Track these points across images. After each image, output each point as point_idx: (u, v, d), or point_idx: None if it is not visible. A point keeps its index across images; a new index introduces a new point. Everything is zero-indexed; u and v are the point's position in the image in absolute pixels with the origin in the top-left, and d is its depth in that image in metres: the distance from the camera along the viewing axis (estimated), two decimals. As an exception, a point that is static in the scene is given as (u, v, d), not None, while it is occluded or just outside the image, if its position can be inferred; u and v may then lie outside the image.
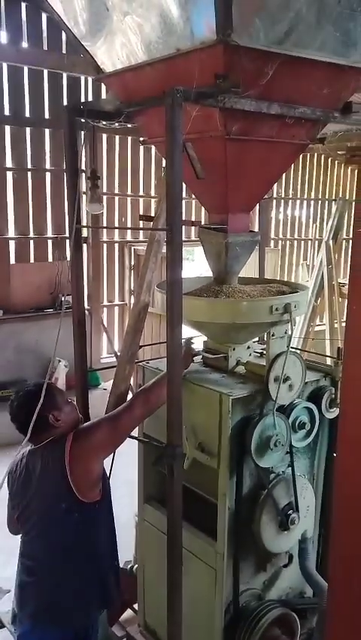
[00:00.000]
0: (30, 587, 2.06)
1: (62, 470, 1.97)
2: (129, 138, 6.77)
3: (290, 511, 2.26)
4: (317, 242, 8.01)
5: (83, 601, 2.07)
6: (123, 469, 2.69)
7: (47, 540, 2.05)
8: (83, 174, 6.27)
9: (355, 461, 1.43)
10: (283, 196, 8.47)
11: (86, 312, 2.64)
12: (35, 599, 2.04)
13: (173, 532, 1.98)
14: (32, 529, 2.07)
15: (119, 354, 2.49)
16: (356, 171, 8.43)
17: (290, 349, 2.17)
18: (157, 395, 2.12)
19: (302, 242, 8.78)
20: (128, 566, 2.95)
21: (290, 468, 2.28)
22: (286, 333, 2.21)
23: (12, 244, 6.08)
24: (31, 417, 1.95)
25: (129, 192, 6.94)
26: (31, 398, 2.01)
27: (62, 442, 2.01)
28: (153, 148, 6.09)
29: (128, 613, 2.94)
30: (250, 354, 2.45)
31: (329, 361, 2.60)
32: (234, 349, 2.38)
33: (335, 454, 1.76)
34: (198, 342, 2.53)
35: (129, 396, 2.31)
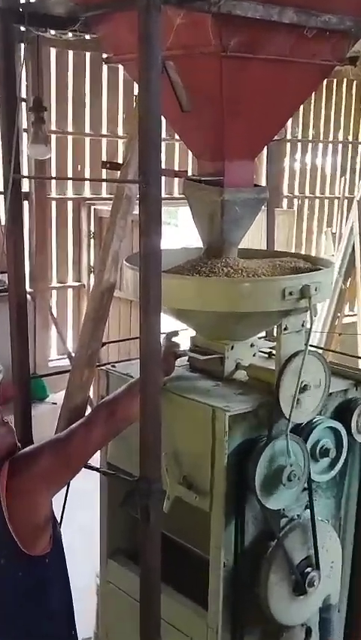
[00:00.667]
0: None
1: None
2: (87, 55, 6.72)
3: (308, 569, 2.27)
4: (345, 201, 8.07)
5: None
6: (79, 512, 2.70)
7: None
8: (24, 104, 6.24)
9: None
10: (300, 138, 8.50)
11: (28, 296, 2.63)
12: None
13: (148, 598, 1.98)
14: None
15: (74, 354, 2.49)
16: None
17: (309, 348, 2.18)
18: (125, 409, 2.11)
19: (326, 201, 8.84)
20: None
21: (309, 510, 2.30)
22: (303, 326, 2.21)
23: None
24: None
25: (87, 130, 6.92)
26: None
27: None
28: (121, 69, 6.04)
29: None
30: (254, 355, 2.46)
31: (361, 364, 2.62)
32: (232, 348, 2.39)
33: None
34: (184, 338, 2.54)
35: (88, 412, 2.31)
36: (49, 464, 2.03)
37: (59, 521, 2.21)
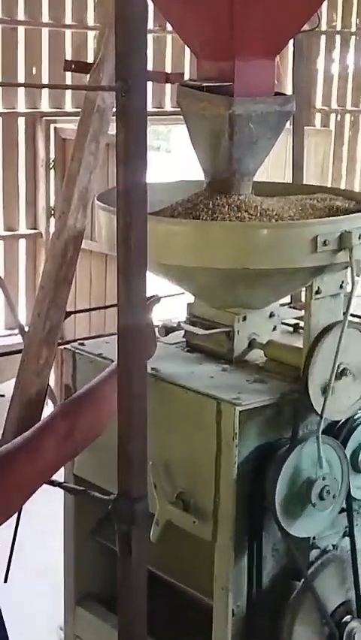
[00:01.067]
0: None
1: None
2: None
3: (347, 618, 2.30)
4: None
5: None
6: (37, 545, 2.71)
7: None
8: None
9: None
10: (339, 29, 8.44)
11: None
12: None
13: (130, 657, 2.01)
14: None
15: (27, 328, 2.49)
16: None
17: (351, 318, 2.19)
18: (90, 422, 2.11)
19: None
20: None
21: (348, 538, 2.32)
22: (342, 288, 2.23)
23: None
24: None
25: (45, 19, 6.84)
26: None
27: None
28: None
29: None
30: (274, 329, 2.47)
31: None
32: (244, 319, 2.40)
33: None
34: (178, 305, 2.53)
35: (48, 410, 2.31)
36: None
37: (8, 557, 2.22)
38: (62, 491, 2.43)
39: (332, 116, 8.53)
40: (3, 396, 6.10)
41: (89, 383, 2.21)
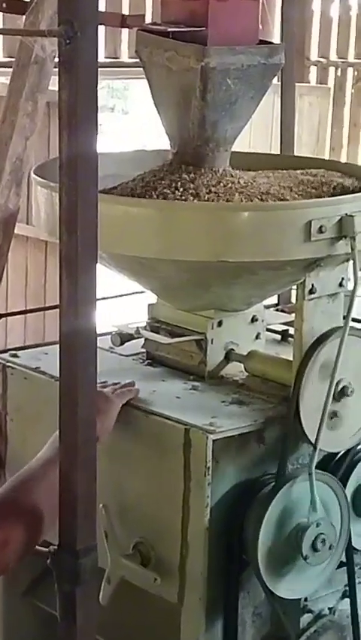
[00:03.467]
0: None
1: None
2: None
3: None
4: None
5: None
6: None
7: None
8: None
9: None
10: None
11: None
12: None
13: None
14: None
15: None
16: None
17: (353, 324, 2.20)
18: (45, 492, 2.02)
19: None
20: None
21: (349, 599, 2.33)
22: (342, 286, 2.24)
23: None
24: None
25: None
26: None
27: None
28: None
29: None
30: (257, 337, 2.49)
31: None
32: (220, 325, 2.41)
33: None
34: (136, 307, 2.53)
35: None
36: None
37: None
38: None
39: (331, 71, 8.57)
40: None
41: (29, 464, 2.11)
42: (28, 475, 2.07)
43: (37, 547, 2.18)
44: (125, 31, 6.61)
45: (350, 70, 8.68)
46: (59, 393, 1.85)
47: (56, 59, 1.81)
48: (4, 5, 2.64)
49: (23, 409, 2.49)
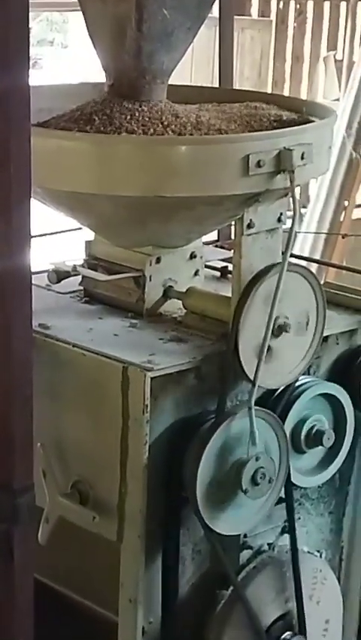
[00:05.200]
0: None
1: None
2: None
3: (287, 635, 2.34)
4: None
5: None
6: None
7: None
8: None
9: None
10: None
11: None
12: None
13: None
14: None
15: None
16: None
17: (291, 260, 2.21)
18: None
19: (326, 3, 8.84)
20: None
21: (288, 535, 2.35)
22: (280, 222, 2.24)
23: None
24: None
25: None
26: None
27: None
28: None
29: None
30: (196, 273, 2.49)
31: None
32: (158, 261, 2.41)
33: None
34: (73, 244, 2.51)
35: None
36: None
37: None
38: None
39: (273, 3, 8.51)
40: None
41: None
42: None
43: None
44: None
45: (292, 3, 8.62)
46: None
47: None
48: None
49: None
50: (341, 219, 7.01)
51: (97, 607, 2.32)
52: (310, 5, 8.70)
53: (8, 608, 1.96)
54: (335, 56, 8.15)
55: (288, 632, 2.33)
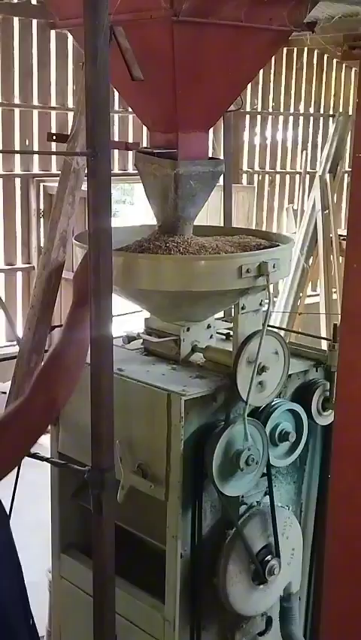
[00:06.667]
0: None
1: None
2: (34, 22, 6.61)
3: (268, 557, 2.30)
4: (307, 177, 8.11)
5: None
6: (31, 506, 2.68)
7: None
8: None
9: (357, 484, 1.47)
10: (259, 110, 8.51)
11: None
12: None
13: (102, 592, 1.98)
14: None
15: (21, 339, 2.47)
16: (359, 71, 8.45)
17: (268, 328, 2.20)
18: (70, 355, 1.98)
19: (287, 177, 8.90)
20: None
21: (268, 496, 2.32)
22: (261, 305, 2.23)
23: None
24: None
25: (35, 102, 6.82)
26: None
27: None
28: (70, 37, 5.95)
29: None
30: (211, 337, 2.47)
31: (324, 345, 2.64)
32: (188, 330, 2.39)
33: (329, 476, 1.79)
34: (137, 320, 2.52)
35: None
36: None
37: (8, 515, 2.19)
38: (49, 465, 2.41)
39: (255, 176, 8.58)
40: (5, 393, 6.03)
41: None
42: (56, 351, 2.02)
43: (78, 467, 2.18)
44: (131, 153, 6.60)
45: (266, 176, 8.70)
46: (91, 375, 1.84)
47: (86, 170, 1.81)
48: (54, 137, 2.65)
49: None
50: (298, 303, 6.99)
51: (153, 540, 2.30)
52: (277, 177, 8.76)
53: (101, 542, 1.95)
54: (293, 207, 8.17)
55: (269, 556, 2.30)
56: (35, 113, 6.82)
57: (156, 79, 2.11)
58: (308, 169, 8.19)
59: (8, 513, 2.22)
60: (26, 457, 2.09)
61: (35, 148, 6.86)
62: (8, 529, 2.13)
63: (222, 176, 2.50)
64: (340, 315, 1.53)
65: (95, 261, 1.83)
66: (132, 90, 2.24)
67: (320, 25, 2.54)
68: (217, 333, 2.53)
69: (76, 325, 1.97)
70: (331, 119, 7.24)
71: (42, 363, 2.11)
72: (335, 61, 8.77)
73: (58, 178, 2.57)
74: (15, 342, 6.19)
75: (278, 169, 8.78)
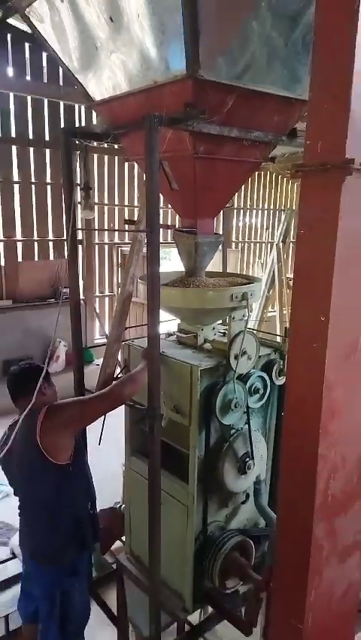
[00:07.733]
0: (26, 534, 2.15)
1: (34, 440, 1.96)
2: (116, 157, 6.69)
3: (247, 459, 2.28)
4: (269, 244, 8.05)
5: (66, 543, 2.09)
6: (114, 429, 2.69)
7: (32, 496, 2.06)
8: (78, 187, 6.18)
9: (297, 420, 1.46)
10: (241, 206, 8.48)
11: (81, 301, 2.60)
12: (30, 543, 2.13)
13: (153, 477, 1.99)
14: (20, 488, 2.11)
15: (108, 335, 2.47)
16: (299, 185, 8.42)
17: (247, 329, 2.19)
18: (129, 388, 2.05)
19: (258, 244, 8.83)
20: (118, 506, 2.95)
21: (247, 425, 2.30)
22: (243, 316, 2.23)
23: (19, 245, 6.08)
24: (27, 381, 2.00)
25: (116, 202, 6.88)
26: (33, 367, 2.09)
27: (36, 415, 1.97)
28: (136, 165, 6.02)
29: (117, 544, 2.96)
30: (215, 334, 2.45)
31: (278, 339, 2.62)
32: (202, 330, 2.38)
33: (282, 414, 1.78)
34: (173, 325, 2.51)
35: (117, 370, 2.29)
36: (70, 417, 1.98)
37: (100, 437, 2.18)
38: (123, 406, 2.40)
39: (239, 244, 8.52)
40: (98, 365, 6.02)
41: (132, 370, 2.12)
42: (125, 377, 2.07)
43: (140, 406, 2.16)
44: (169, 230, 6.62)
45: (246, 244, 8.62)
46: (147, 353, 1.82)
47: (145, 240, 1.82)
48: (128, 222, 2.63)
49: (133, 362, 2.47)
50: (264, 316, 6.92)
51: (182, 448, 2.28)
52: (252, 245, 8.67)
53: (153, 449, 1.93)
54: (260, 261, 8.10)
55: (248, 458, 2.27)
56: (116, 208, 6.87)
57: (185, 189, 2.11)
58: (270, 239, 8.13)
59: (100, 434, 2.21)
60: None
61: (116, 227, 6.89)
62: (85, 456, 2.12)
63: (221, 244, 2.50)
64: (288, 322, 1.52)
65: (150, 291, 1.83)
66: (171, 195, 2.25)
67: (277, 159, 2.51)
68: (219, 331, 2.51)
69: (143, 371, 2.00)
70: (283, 212, 7.17)
71: (120, 381, 2.08)
72: (285, 179, 8.73)
73: (129, 244, 2.56)
74: (104, 337, 6.34)
75: (252, 239, 8.71)
